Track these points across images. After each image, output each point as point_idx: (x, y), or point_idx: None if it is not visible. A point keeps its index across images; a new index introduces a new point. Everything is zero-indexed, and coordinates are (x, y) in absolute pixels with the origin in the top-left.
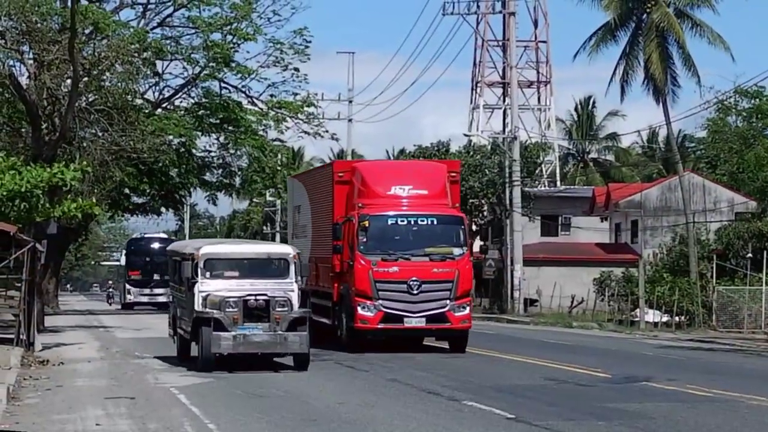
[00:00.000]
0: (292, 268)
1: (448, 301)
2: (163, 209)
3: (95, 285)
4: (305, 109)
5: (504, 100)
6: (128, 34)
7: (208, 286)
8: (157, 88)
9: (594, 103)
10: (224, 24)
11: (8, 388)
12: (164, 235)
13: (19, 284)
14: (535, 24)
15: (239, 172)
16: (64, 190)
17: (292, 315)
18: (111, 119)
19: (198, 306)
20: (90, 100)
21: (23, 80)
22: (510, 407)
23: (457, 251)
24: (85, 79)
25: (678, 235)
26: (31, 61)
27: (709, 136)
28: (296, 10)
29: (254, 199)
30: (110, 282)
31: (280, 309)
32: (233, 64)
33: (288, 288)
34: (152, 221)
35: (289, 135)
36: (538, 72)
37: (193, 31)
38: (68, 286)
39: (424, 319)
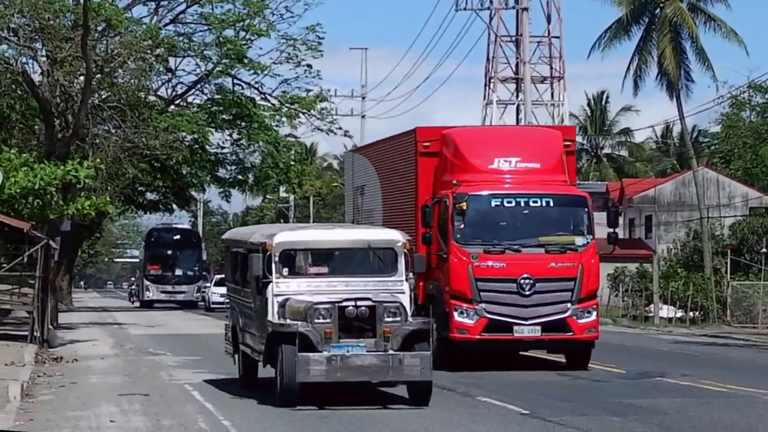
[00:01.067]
0: (401, 260)
1: (569, 305)
2: (175, 206)
3: (110, 282)
4: (318, 104)
5: (517, 96)
6: (141, 31)
7: (286, 287)
8: (170, 84)
9: (607, 98)
10: (237, 20)
11: (22, 384)
12: (187, 226)
13: (33, 281)
14: (548, 19)
15: (252, 169)
16: (78, 188)
17: (407, 327)
18: (124, 116)
19: (274, 315)
20: (103, 97)
21: (36, 77)
22: (524, 403)
23: (579, 240)
24: (98, 76)
25: (692, 231)
26: (44, 59)
27: (723, 131)
28: (309, 6)
29: (268, 195)
30: (133, 278)
31: (390, 319)
32: (246, 61)
33: (397, 288)
34: (165, 218)
35: (302, 131)
36: (551, 67)
37: (206, 27)
38: (82, 283)
39: (538, 328)
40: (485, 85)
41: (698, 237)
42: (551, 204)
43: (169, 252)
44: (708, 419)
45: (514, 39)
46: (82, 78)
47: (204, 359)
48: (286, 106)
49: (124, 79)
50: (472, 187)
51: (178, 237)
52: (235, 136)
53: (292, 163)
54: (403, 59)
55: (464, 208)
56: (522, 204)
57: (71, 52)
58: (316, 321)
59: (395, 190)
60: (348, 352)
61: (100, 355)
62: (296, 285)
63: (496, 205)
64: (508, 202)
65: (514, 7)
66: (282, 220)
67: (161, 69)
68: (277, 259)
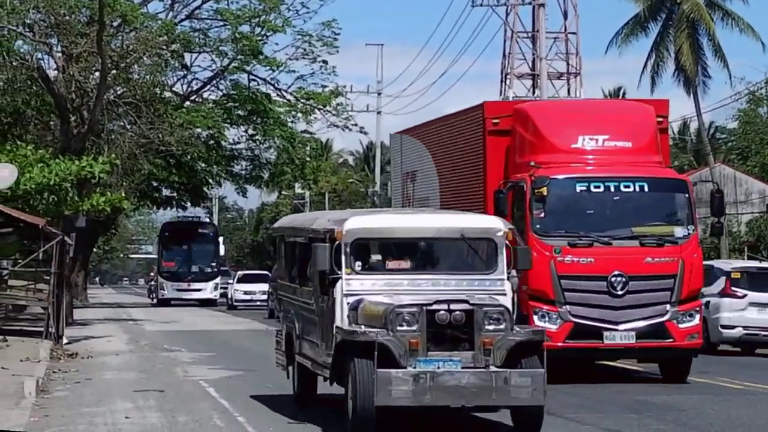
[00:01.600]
0: (502, 254)
1: (668, 307)
2: (189, 203)
3: (125, 278)
4: (334, 100)
5: (533, 92)
6: (156, 27)
7: (359, 286)
8: (185, 80)
9: (624, 94)
10: (252, 16)
11: (37, 380)
12: (205, 219)
13: (48, 277)
14: (565, 15)
15: (268, 165)
16: (93, 183)
17: (513, 337)
18: (139, 112)
19: (343, 320)
20: (118, 92)
21: (52, 73)
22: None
23: (680, 231)
24: (114, 71)
25: (709, 227)
26: (60, 54)
27: (740, 127)
28: (324, 2)
29: (283, 192)
30: (152, 274)
31: (492, 327)
32: (261, 57)
33: (496, 289)
34: (180, 214)
35: (318, 127)
36: (567, 63)
37: (222, 23)
38: (97, 279)
39: (632, 334)
40: (501, 81)
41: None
42: (646, 189)
43: (185, 247)
44: (725, 416)
45: (530, 35)
46: (97, 74)
47: (219, 355)
48: (302, 102)
49: (140, 74)
50: (554, 170)
51: (194, 231)
52: (250, 132)
53: (308, 159)
54: (419, 55)
55: (545, 193)
56: (612, 189)
57: (87, 47)
58: (399, 328)
59: (456, 174)
60: (439, 368)
61: (115, 351)
62: (371, 283)
63: (581, 191)
64: (596, 187)
65: (530, 3)
66: None
67: (176, 65)
68: (348, 250)
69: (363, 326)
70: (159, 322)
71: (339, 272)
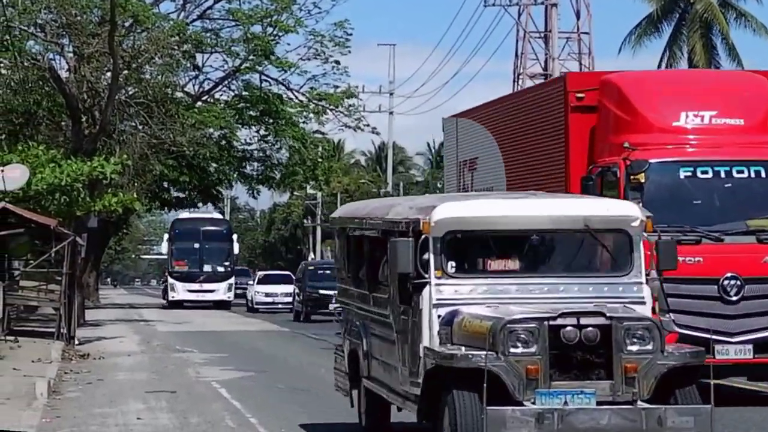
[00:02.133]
0: (639, 250)
1: None
2: (200, 204)
3: (137, 279)
4: (346, 101)
5: None
6: (168, 27)
7: (453, 293)
8: (197, 80)
9: None
10: (264, 16)
11: (49, 381)
12: (218, 215)
13: (60, 278)
14: (578, 15)
15: (279, 165)
16: (104, 184)
17: (664, 362)
18: (151, 112)
19: (432, 338)
20: (130, 93)
21: (63, 73)
22: None
23: None
24: (125, 72)
25: None
26: (71, 54)
27: None
28: (337, 2)
29: (295, 192)
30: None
31: (635, 348)
32: (273, 58)
33: (633, 297)
34: (192, 210)
35: (330, 127)
36: (580, 63)
37: (233, 23)
38: (108, 280)
39: (749, 347)
40: (514, 81)
41: None
42: (763, 175)
43: (197, 245)
44: (738, 416)
45: (542, 35)
46: (109, 74)
47: (231, 356)
48: (314, 103)
49: (151, 75)
50: (653, 152)
51: (206, 228)
52: (262, 132)
53: (320, 159)
54: (431, 55)
55: (642, 180)
56: (722, 175)
57: (98, 47)
58: (513, 350)
59: (527, 160)
60: (567, 403)
61: (126, 352)
62: (469, 289)
63: (686, 177)
64: (703, 173)
65: (543, 3)
66: (310, 217)
67: (188, 65)
68: (438, 246)
69: (462, 347)
70: (171, 322)
71: (426, 275)
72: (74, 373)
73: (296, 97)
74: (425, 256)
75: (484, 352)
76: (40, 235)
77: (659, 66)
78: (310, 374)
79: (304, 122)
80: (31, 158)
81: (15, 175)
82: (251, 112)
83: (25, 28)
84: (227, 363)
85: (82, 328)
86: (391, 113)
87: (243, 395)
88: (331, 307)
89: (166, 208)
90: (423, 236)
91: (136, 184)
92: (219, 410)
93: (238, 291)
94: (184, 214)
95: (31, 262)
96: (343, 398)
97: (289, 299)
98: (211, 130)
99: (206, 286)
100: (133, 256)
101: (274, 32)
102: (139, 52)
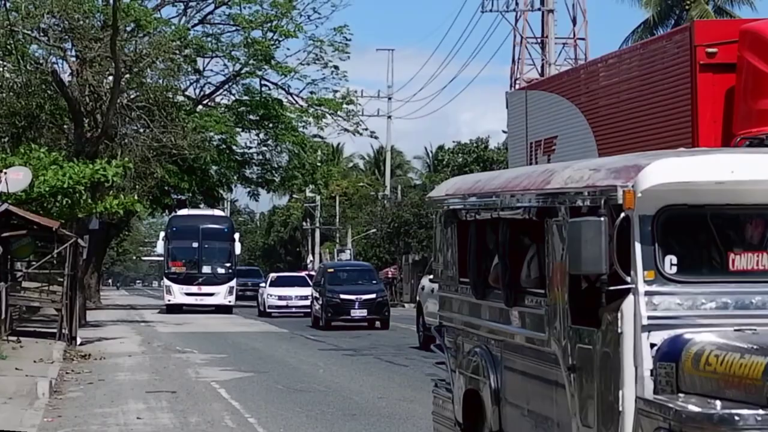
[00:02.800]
0: None
1: None
2: (202, 205)
3: (138, 281)
4: (345, 106)
5: None
6: (169, 32)
7: (676, 307)
8: (198, 85)
9: None
10: (265, 21)
11: (51, 381)
12: (219, 212)
13: (62, 279)
14: (574, 21)
15: (279, 169)
16: (106, 186)
17: None
18: (152, 116)
19: (642, 382)
20: (131, 96)
21: (66, 77)
22: None
23: None
24: (127, 76)
25: None
26: (74, 59)
27: None
28: (336, 7)
29: (294, 195)
30: None
31: None
32: (273, 62)
33: None
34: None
35: (329, 132)
36: None
37: (234, 28)
38: (110, 281)
39: None
40: (511, 86)
41: None
42: None
43: (195, 245)
44: None
45: (539, 41)
46: (111, 78)
47: (230, 357)
48: (313, 107)
49: (153, 79)
50: None
51: (206, 226)
52: (262, 136)
53: (319, 163)
54: (429, 60)
55: None
56: None
57: (100, 52)
58: None
59: (633, 136)
60: None
61: (127, 352)
62: (703, 300)
63: None
64: None
65: (539, 9)
66: (308, 220)
67: (189, 69)
68: (651, 229)
69: (704, 399)
70: (172, 323)
71: (628, 278)
72: (75, 373)
73: (296, 102)
74: (627, 246)
75: (757, 412)
76: (43, 237)
77: None
78: (309, 374)
79: (303, 127)
80: (33, 161)
81: (18, 178)
82: (251, 117)
83: (29, 32)
84: (227, 363)
85: (83, 328)
86: (389, 117)
87: (242, 395)
88: (354, 314)
89: (167, 211)
90: (622, 214)
91: (137, 187)
92: (219, 410)
93: (249, 293)
94: (183, 211)
95: (34, 263)
96: (344, 398)
97: (305, 303)
98: (212, 133)
99: (205, 288)
100: (134, 257)
101: (274, 37)
102: (141, 57)
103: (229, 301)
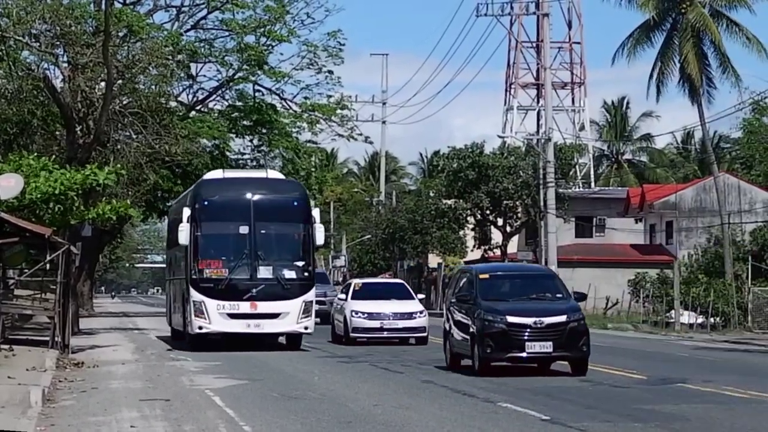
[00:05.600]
0: None
1: None
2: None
3: (133, 288)
4: (339, 111)
5: (538, 102)
6: (162, 37)
7: None
8: (191, 90)
9: (628, 104)
10: (258, 26)
11: (44, 390)
12: (279, 175)
13: (54, 287)
14: (569, 25)
15: None
16: (99, 193)
17: None
18: (145, 122)
19: None
20: (124, 102)
21: (58, 83)
22: (545, 409)
23: None
24: (119, 81)
25: (713, 236)
26: (66, 64)
27: (744, 136)
28: (330, 12)
29: None
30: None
31: None
32: (267, 67)
33: None
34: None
35: (323, 137)
36: (572, 73)
37: (227, 33)
38: (102, 288)
39: None
40: (506, 90)
41: (719, 243)
42: None
43: (244, 230)
44: (729, 425)
45: (534, 45)
46: (103, 84)
47: (224, 364)
48: (307, 113)
49: (145, 84)
50: None
51: (261, 197)
52: (255, 142)
53: (313, 169)
54: (423, 65)
55: None
56: None
57: (92, 57)
58: None
59: None
60: None
61: (121, 360)
62: None
63: None
64: None
65: (534, 13)
66: None
67: (182, 75)
68: None
69: None
70: (165, 330)
71: None
72: (68, 382)
73: (290, 107)
74: None
75: None
76: (35, 244)
77: (651, 76)
78: (304, 382)
79: (297, 132)
80: (24, 167)
81: (9, 185)
82: (245, 122)
83: (20, 38)
84: (221, 371)
85: (76, 336)
86: (383, 122)
87: (237, 403)
88: (531, 348)
89: (162, 217)
90: None
91: (130, 193)
92: (213, 418)
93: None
94: (216, 173)
95: (26, 271)
96: (339, 406)
97: (409, 324)
98: (205, 140)
99: (264, 306)
100: (127, 264)
101: (268, 42)
102: (134, 62)
103: (306, 328)
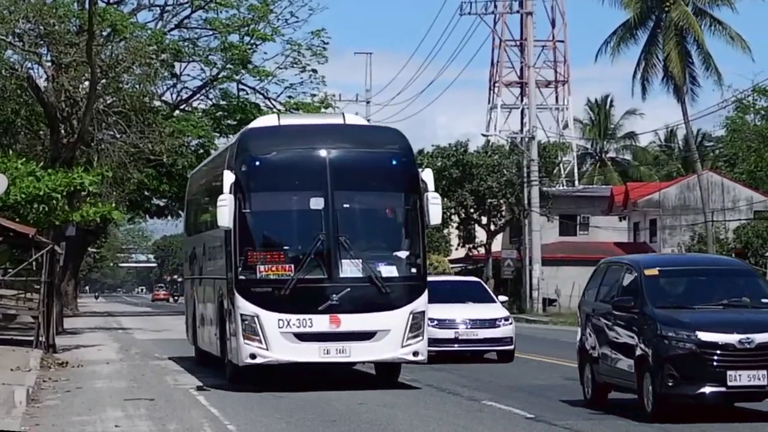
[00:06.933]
0: None
1: None
2: (182, 212)
3: (119, 288)
4: (323, 110)
5: (522, 100)
6: (146, 36)
7: None
8: (175, 89)
9: (611, 102)
10: (241, 25)
11: (28, 389)
12: (360, 120)
13: (39, 286)
14: (553, 24)
15: None
16: (83, 194)
17: None
18: (129, 121)
19: None
20: (108, 102)
21: (41, 83)
22: (529, 407)
23: None
24: (103, 81)
25: (697, 234)
26: (49, 64)
27: (727, 134)
28: (314, 11)
29: None
30: (179, 280)
31: None
32: (251, 66)
33: None
34: (171, 224)
35: None
36: (555, 71)
37: (211, 32)
38: (87, 288)
39: None
40: (490, 89)
41: (703, 241)
42: None
43: (318, 203)
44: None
45: (518, 43)
46: (87, 83)
47: (209, 364)
48: (291, 112)
49: (130, 84)
50: None
51: (343, 152)
52: None
53: None
54: (407, 64)
55: None
56: None
57: (76, 57)
58: None
59: None
60: None
61: (105, 359)
62: None
63: None
64: None
65: (518, 12)
66: None
67: (166, 74)
68: None
69: None
70: (150, 330)
71: None
72: (53, 381)
73: (274, 107)
74: None
75: None
76: (19, 244)
77: (635, 75)
78: (288, 381)
79: None
80: (11, 169)
81: None
82: (229, 121)
83: (3, 37)
84: (205, 370)
85: (60, 336)
86: (368, 121)
87: (221, 402)
88: (731, 379)
89: (146, 216)
90: None
91: (115, 193)
92: (197, 417)
93: None
94: (269, 119)
95: (10, 270)
96: (324, 405)
97: (490, 334)
98: (190, 138)
99: (351, 321)
100: (112, 264)
101: (252, 41)
102: (117, 62)
103: (415, 354)
